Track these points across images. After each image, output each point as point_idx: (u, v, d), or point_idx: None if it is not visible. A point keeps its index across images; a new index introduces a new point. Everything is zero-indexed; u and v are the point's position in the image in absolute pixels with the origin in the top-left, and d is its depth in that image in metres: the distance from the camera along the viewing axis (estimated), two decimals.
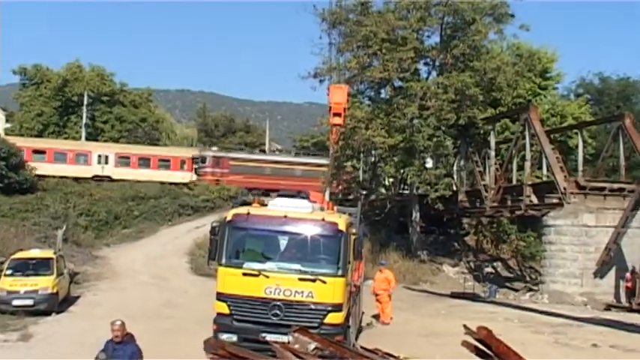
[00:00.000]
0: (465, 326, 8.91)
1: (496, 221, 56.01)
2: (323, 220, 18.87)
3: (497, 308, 35.59)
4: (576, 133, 51.59)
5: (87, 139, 70.19)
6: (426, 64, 51.41)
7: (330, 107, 26.39)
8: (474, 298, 41.48)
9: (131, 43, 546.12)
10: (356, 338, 21.30)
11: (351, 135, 47.42)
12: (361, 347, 13.41)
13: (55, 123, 73.09)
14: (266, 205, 19.83)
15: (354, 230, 20.65)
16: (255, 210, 19.26)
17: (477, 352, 8.66)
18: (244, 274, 18.42)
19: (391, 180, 56.28)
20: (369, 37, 47.06)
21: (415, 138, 47.14)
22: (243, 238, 19.41)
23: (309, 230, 18.85)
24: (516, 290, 46.97)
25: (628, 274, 39.15)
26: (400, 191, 56.17)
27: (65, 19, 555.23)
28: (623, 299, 39.42)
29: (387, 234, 52.31)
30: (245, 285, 18.35)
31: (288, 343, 12.71)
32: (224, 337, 17.96)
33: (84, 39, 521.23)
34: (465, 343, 8.80)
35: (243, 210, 19.31)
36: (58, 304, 28.44)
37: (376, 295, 28.30)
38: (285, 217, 18.78)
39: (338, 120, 26.70)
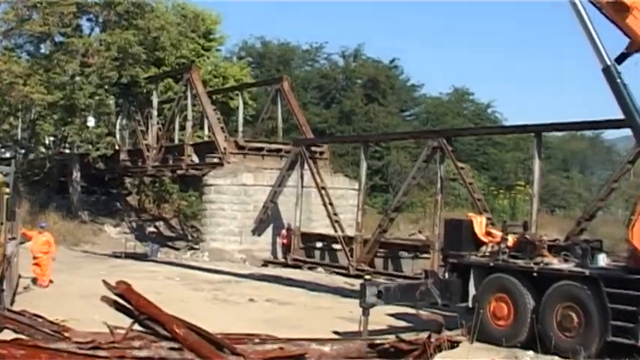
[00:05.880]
0: (104, 281, 8.87)
1: (158, 181, 56.12)
2: None
3: (159, 267, 35.90)
4: (237, 95, 53.08)
5: None
6: (89, 20, 50.08)
7: None
8: (135, 257, 41.46)
9: None
10: (12, 302, 20.57)
11: (7, 91, 45.28)
12: (8, 310, 12.92)
13: None
14: None
15: (7, 190, 19.88)
16: None
17: (117, 306, 8.68)
18: None
19: (51, 139, 54.54)
20: None
21: (76, 96, 45.85)
22: None
23: None
24: (178, 249, 47.69)
25: (284, 231, 40.78)
26: (61, 150, 54.59)
27: None
28: (280, 255, 41.12)
29: (46, 194, 50.75)
30: None
31: None
32: None
33: None
34: (105, 299, 8.78)
35: None
36: None
37: (35, 257, 27.43)
38: None
39: None
